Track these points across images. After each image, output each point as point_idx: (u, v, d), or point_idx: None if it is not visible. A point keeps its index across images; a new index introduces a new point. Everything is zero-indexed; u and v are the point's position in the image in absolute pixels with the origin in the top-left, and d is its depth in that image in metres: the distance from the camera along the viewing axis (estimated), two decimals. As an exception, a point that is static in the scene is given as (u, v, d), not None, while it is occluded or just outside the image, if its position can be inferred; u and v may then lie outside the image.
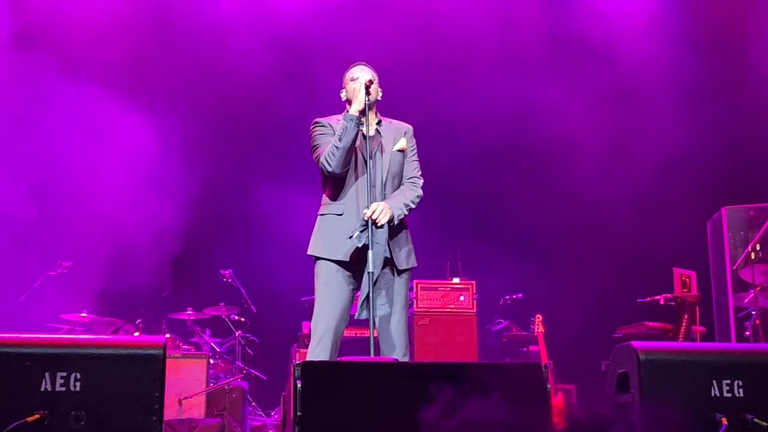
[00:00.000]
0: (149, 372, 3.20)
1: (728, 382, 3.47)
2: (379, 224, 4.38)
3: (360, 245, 4.37)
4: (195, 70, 9.22)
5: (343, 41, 8.99)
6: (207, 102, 9.27)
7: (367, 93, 4.53)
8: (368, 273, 4.31)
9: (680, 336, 7.58)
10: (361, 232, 4.38)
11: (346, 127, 4.47)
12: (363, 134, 4.54)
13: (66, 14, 8.80)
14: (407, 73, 9.07)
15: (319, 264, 4.60)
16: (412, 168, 4.76)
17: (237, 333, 8.30)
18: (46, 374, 3.14)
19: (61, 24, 8.76)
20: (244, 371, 7.98)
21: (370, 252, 4.32)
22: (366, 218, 4.37)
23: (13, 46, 8.56)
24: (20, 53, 8.53)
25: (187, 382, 6.80)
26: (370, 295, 4.32)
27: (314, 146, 4.68)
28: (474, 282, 7.76)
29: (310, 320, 4.67)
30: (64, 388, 3.14)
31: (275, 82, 9.35)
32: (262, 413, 8.00)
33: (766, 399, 3.46)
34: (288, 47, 9.29)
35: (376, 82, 4.67)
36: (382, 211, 4.40)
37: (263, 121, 9.43)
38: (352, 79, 4.69)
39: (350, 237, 4.42)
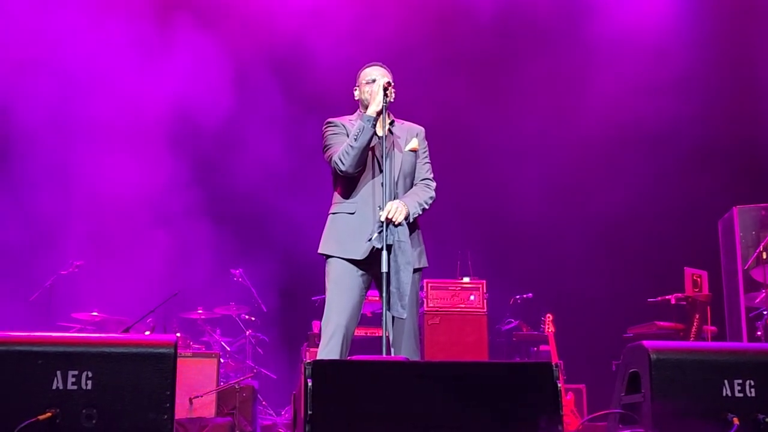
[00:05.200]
0: (160, 371, 3.21)
1: (740, 381, 3.45)
2: (396, 222, 4.38)
3: (380, 247, 4.34)
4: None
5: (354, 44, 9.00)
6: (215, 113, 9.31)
7: (385, 95, 4.53)
8: (383, 273, 4.30)
9: (691, 336, 7.56)
10: (380, 233, 4.37)
11: (363, 128, 4.46)
12: (376, 134, 4.55)
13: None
14: (420, 72, 9.07)
15: (330, 262, 4.59)
16: (425, 170, 4.76)
17: (247, 332, 8.31)
18: (58, 373, 3.14)
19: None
20: (255, 370, 7.99)
21: (384, 253, 4.31)
22: (382, 220, 4.37)
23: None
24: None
25: (198, 381, 6.80)
26: (383, 295, 4.31)
27: (326, 145, 4.68)
28: (484, 281, 7.74)
29: (320, 319, 4.66)
30: (75, 387, 3.14)
31: (284, 84, 9.37)
32: (272, 412, 8.01)
33: (778, 399, 3.45)
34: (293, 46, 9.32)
35: (392, 83, 4.67)
36: (397, 209, 4.38)
37: (270, 123, 9.45)
38: (368, 81, 4.69)
39: (369, 240, 4.42)
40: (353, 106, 4.86)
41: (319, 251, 4.65)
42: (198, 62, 9.17)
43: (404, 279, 4.33)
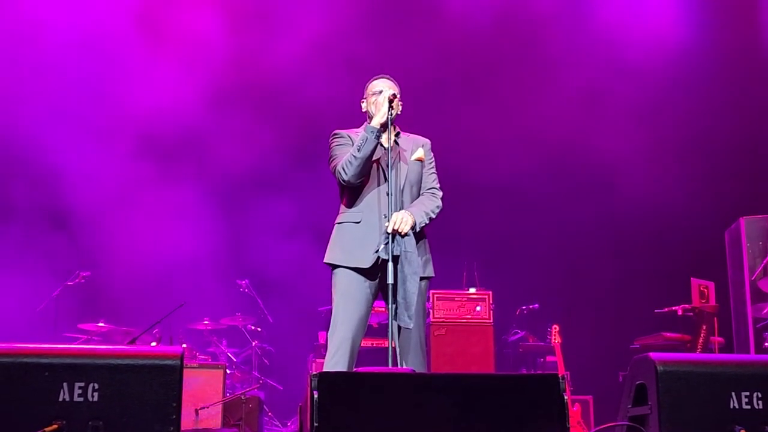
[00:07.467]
0: (166, 382, 3.21)
1: (747, 393, 3.44)
2: (402, 233, 4.38)
3: (387, 258, 4.35)
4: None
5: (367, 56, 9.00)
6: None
7: (390, 107, 4.55)
8: (389, 285, 4.30)
9: (698, 347, 7.53)
10: (386, 245, 4.38)
11: (366, 138, 4.48)
12: (382, 145, 4.56)
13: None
14: (426, 84, 9.09)
15: (337, 272, 4.59)
16: (431, 180, 4.78)
17: (253, 343, 8.32)
18: (64, 384, 3.14)
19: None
20: (261, 381, 7.99)
21: (390, 264, 4.32)
22: (389, 231, 4.37)
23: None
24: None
25: (204, 392, 6.80)
26: (389, 307, 4.32)
27: (332, 156, 4.70)
28: (490, 292, 7.73)
29: (326, 330, 4.66)
30: (82, 399, 3.14)
31: (301, 89, 9.39)
32: (278, 423, 8.00)
33: (786, 411, 3.43)
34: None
35: (398, 96, 4.69)
36: (403, 220, 4.40)
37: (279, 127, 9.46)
38: (375, 93, 4.71)
39: (376, 251, 4.42)
40: (356, 117, 4.88)
41: (325, 261, 4.66)
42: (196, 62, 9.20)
43: (411, 289, 4.33)
